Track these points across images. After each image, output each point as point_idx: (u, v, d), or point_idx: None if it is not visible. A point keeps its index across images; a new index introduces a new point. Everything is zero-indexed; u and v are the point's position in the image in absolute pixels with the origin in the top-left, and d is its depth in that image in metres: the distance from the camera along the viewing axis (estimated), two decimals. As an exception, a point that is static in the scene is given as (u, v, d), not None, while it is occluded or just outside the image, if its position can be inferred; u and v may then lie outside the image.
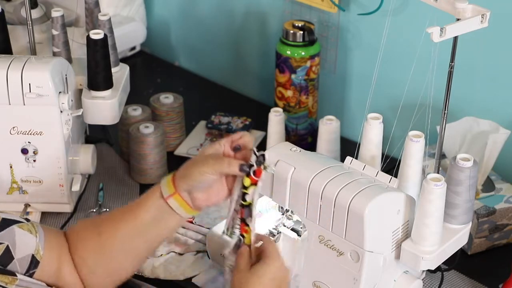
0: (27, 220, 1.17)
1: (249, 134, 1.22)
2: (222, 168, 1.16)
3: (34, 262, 1.14)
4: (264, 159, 1.15)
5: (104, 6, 2.06)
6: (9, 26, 1.64)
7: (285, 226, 1.37)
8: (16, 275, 1.09)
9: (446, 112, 1.32)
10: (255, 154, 1.15)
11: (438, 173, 1.35)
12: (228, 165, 1.15)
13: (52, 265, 1.17)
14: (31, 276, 1.14)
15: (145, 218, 1.19)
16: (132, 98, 1.73)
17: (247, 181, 1.15)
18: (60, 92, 1.47)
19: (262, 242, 1.17)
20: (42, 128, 1.49)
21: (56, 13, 1.60)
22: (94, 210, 1.64)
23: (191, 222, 1.58)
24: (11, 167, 1.53)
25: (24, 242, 1.13)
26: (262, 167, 1.15)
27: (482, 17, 1.22)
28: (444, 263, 1.35)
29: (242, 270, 1.14)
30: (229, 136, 1.21)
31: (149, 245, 1.23)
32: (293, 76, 1.76)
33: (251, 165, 1.15)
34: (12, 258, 1.11)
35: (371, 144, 1.39)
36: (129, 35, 2.19)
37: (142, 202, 1.21)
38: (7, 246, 1.11)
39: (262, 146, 1.82)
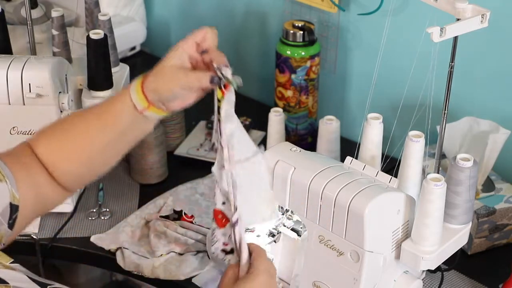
0: None
1: (211, 30, 1.17)
2: (191, 84, 1.12)
3: (13, 209, 1.10)
4: (222, 73, 1.09)
5: (104, 6, 2.06)
6: (9, 26, 1.64)
7: (285, 226, 1.36)
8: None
9: (446, 112, 1.32)
10: (218, 69, 1.10)
11: (438, 173, 1.35)
12: (198, 81, 1.11)
13: (30, 196, 1.14)
14: (14, 221, 1.10)
15: (121, 127, 1.17)
16: (132, 98, 1.73)
17: (219, 94, 1.09)
18: (60, 92, 1.47)
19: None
20: (42, 128, 1.49)
21: (56, 13, 1.60)
22: (94, 210, 1.65)
23: (191, 222, 1.58)
24: (11, 167, 1.52)
25: None
26: (226, 81, 1.09)
27: (482, 17, 1.22)
28: (444, 263, 1.35)
29: (226, 285, 1.09)
30: (190, 37, 1.15)
31: (126, 144, 1.22)
32: (293, 76, 1.76)
33: (220, 78, 1.10)
34: None
35: (371, 144, 1.39)
36: (129, 35, 2.19)
37: (115, 114, 1.18)
38: None
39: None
